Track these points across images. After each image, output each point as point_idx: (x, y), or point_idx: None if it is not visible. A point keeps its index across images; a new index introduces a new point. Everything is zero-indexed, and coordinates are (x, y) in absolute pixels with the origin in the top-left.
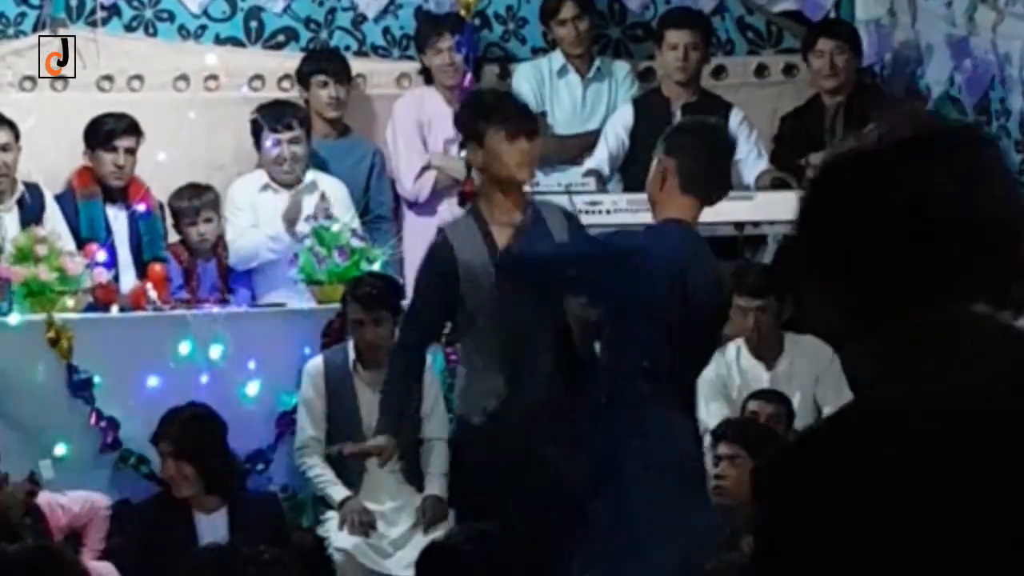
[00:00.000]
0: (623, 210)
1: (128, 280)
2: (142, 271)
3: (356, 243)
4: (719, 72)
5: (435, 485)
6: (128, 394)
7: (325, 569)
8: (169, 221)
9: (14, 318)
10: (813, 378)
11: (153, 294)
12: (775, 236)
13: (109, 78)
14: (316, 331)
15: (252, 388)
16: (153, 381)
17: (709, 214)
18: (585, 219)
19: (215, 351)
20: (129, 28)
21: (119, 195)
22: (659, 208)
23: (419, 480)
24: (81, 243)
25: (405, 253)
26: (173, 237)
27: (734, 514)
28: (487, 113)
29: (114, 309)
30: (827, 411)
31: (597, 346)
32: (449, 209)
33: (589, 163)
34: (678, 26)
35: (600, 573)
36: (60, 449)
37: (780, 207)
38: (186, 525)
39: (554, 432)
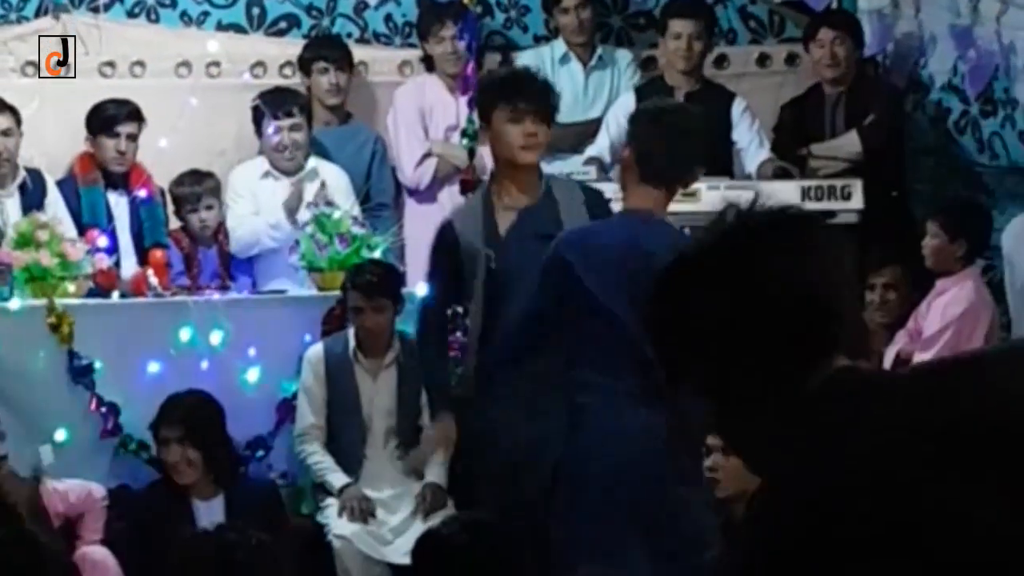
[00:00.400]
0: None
1: (129, 266)
2: (143, 257)
3: (357, 230)
4: (721, 61)
5: (434, 473)
6: (129, 380)
7: (324, 556)
8: (170, 207)
9: (15, 303)
10: None
11: (154, 280)
12: None
13: (111, 64)
14: (317, 318)
15: (252, 375)
16: (154, 367)
17: (710, 203)
18: None
19: (216, 337)
20: (131, 14)
21: (120, 181)
22: (625, 199)
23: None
24: (82, 229)
25: (406, 240)
26: (174, 223)
27: (730, 505)
28: (495, 92)
29: (115, 295)
30: None
31: None
32: (450, 197)
33: (590, 151)
34: (682, 15)
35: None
36: (60, 434)
37: (782, 196)
38: (184, 512)
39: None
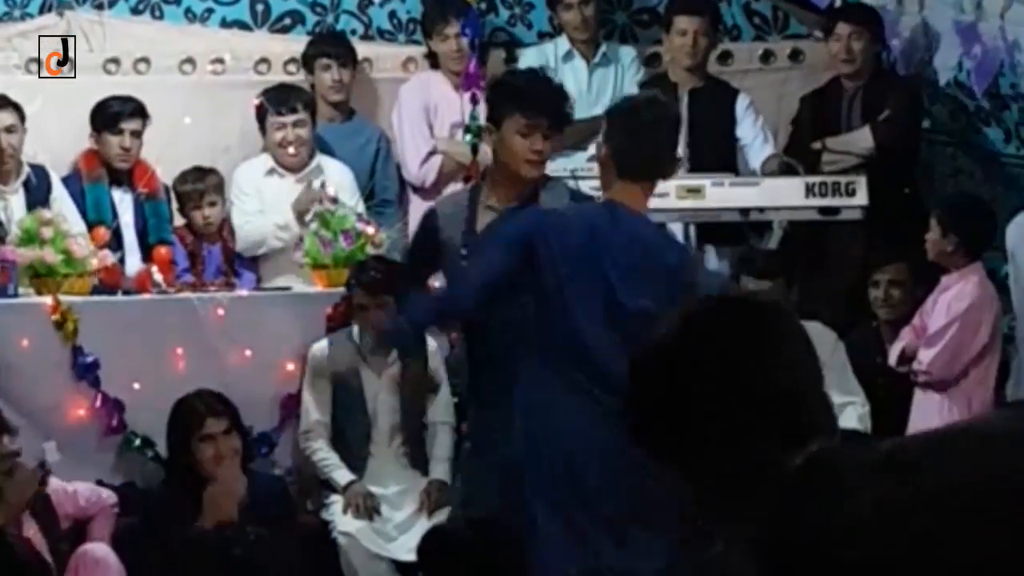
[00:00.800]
0: None
1: (133, 263)
2: (147, 254)
3: (361, 227)
4: (725, 58)
5: (439, 469)
6: (133, 376)
7: (329, 553)
8: (174, 204)
9: (19, 300)
10: None
11: (158, 277)
12: (780, 222)
13: (115, 61)
14: (321, 315)
15: (257, 371)
16: (158, 364)
17: (715, 200)
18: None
19: (220, 334)
20: (135, 11)
21: (125, 178)
22: (606, 195)
23: (424, 464)
24: (87, 226)
25: (410, 238)
26: (178, 220)
27: None
28: (510, 99)
29: (119, 292)
30: (831, 397)
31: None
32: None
33: (594, 148)
34: (687, 12)
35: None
36: (65, 431)
37: (786, 193)
38: (196, 509)
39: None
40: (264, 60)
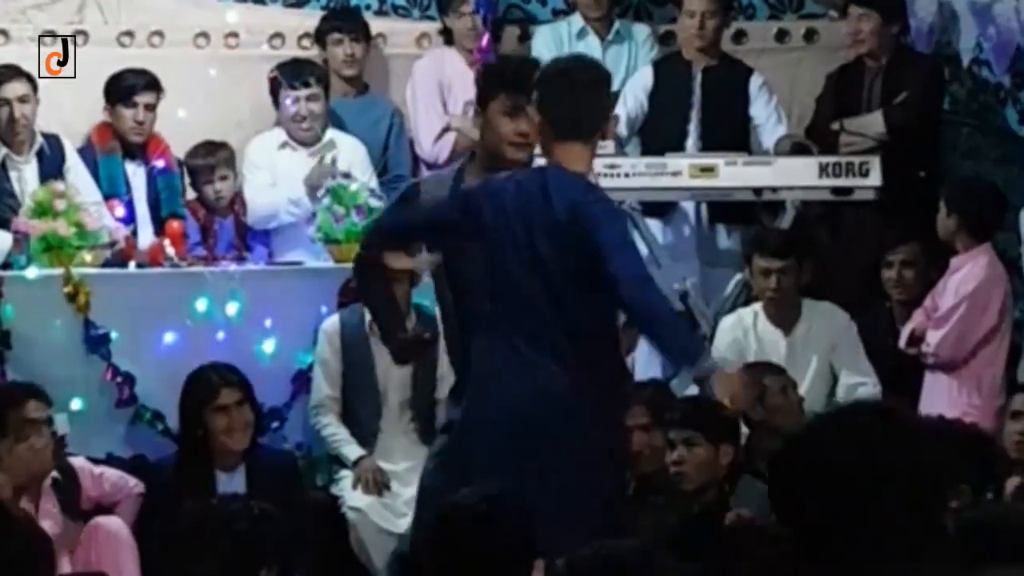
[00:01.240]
0: (642, 173)
1: (146, 236)
2: (160, 227)
3: (374, 202)
4: (739, 37)
5: None
6: (144, 350)
7: (339, 528)
8: (187, 178)
9: (32, 272)
10: (830, 345)
11: (171, 251)
12: (794, 202)
13: (130, 34)
14: (333, 290)
15: (268, 346)
16: (170, 337)
17: (728, 179)
18: (604, 182)
19: (232, 308)
20: None
21: (138, 151)
22: (547, 159)
23: (434, 440)
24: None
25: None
26: (191, 194)
27: (696, 499)
28: (497, 82)
29: (131, 265)
30: (843, 377)
31: None
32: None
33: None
34: None
35: None
36: (76, 404)
37: (799, 173)
38: (206, 483)
39: None
40: (278, 34)
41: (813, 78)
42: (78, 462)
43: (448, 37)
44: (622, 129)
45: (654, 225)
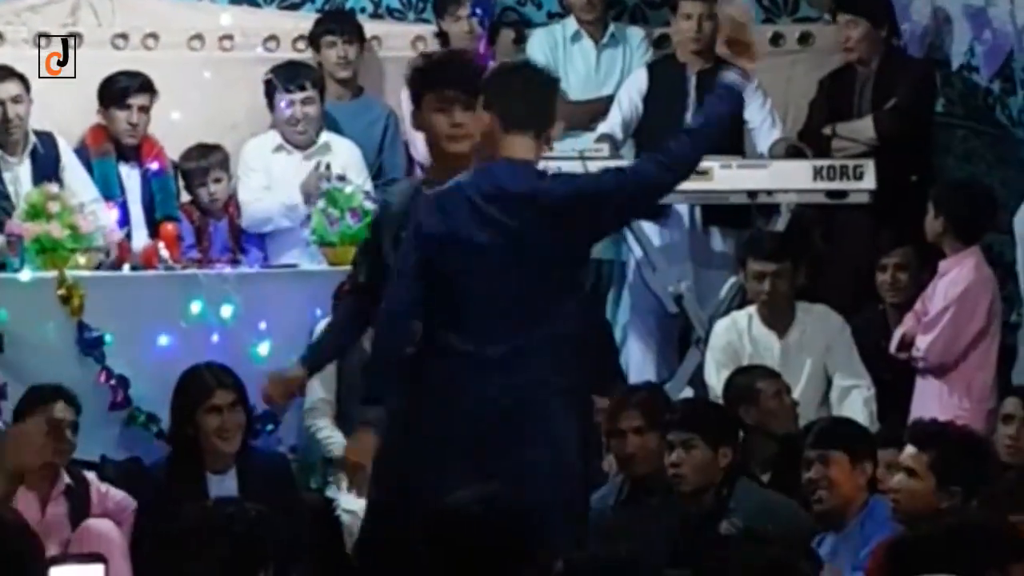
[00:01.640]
0: None
1: (140, 239)
2: (154, 230)
3: (369, 205)
4: None
5: None
6: (138, 353)
7: (333, 530)
8: (181, 181)
9: (26, 275)
10: (824, 347)
11: (165, 253)
12: (788, 205)
13: (124, 36)
14: (327, 292)
15: (263, 348)
16: (164, 340)
17: (723, 182)
18: None
19: (226, 311)
20: None
21: (132, 153)
22: (493, 154)
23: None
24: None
25: None
26: (185, 197)
27: (694, 501)
28: (424, 78)
29: (126, 267)
30: (836, 380)
31: None
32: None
33: (602, 127)
34: None
35: None
36: None
37: (794, 176)
38: (198, 485)
39: None
40: (273, 37)
41: (808, 81)
42: (88, 476)
43: (443, 40)
44: (617, 131)
45: (649, 228)
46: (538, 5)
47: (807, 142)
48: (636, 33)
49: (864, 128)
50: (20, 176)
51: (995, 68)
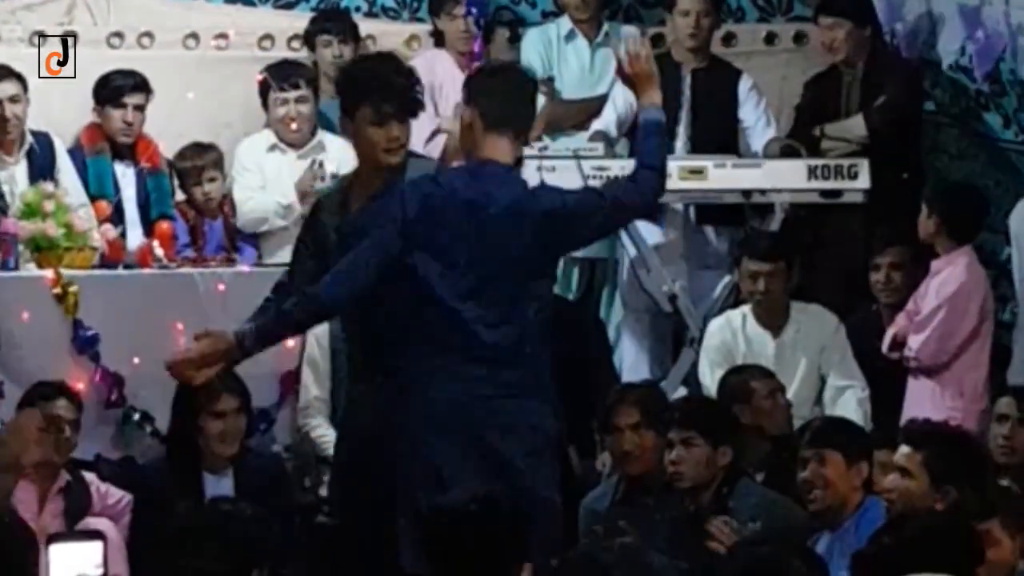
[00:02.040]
0: None
1: (135, 237)
2: (149, 229)
3: None
4: (729, 39)
5: None
6: (133, 351)
7: (326, 532)
8: (176, 180)
9: (21, 273)
10: (818, 347)
11: (160, 252)
12: (782, 204)
13: (119, 35)
14: None
15: None
16: (159, 339)
17: (717, 181)
18: (593, 184)
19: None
20: None
21: (127, 152)
22: (474, 153)
23: None
24: (89, 200)
25: None
26: (180, 196)
27: (693, 499)
28: (359, 90)
29: (120, 266)
30: (830, 380)
31: None
32: None
33: (596, 125)
34: None
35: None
36: None
37: (788, 175)
38: (195, 485)
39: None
40: (268, 36)
41: (802, 81)
42: (87, 476)
43: (439, 39)
44: (612, 130)
45: (643, 227)
46: (532, 4)
47: None
48: (630, 32)
49: (854, 126)
50: (16, 175)
51: (988, 68)
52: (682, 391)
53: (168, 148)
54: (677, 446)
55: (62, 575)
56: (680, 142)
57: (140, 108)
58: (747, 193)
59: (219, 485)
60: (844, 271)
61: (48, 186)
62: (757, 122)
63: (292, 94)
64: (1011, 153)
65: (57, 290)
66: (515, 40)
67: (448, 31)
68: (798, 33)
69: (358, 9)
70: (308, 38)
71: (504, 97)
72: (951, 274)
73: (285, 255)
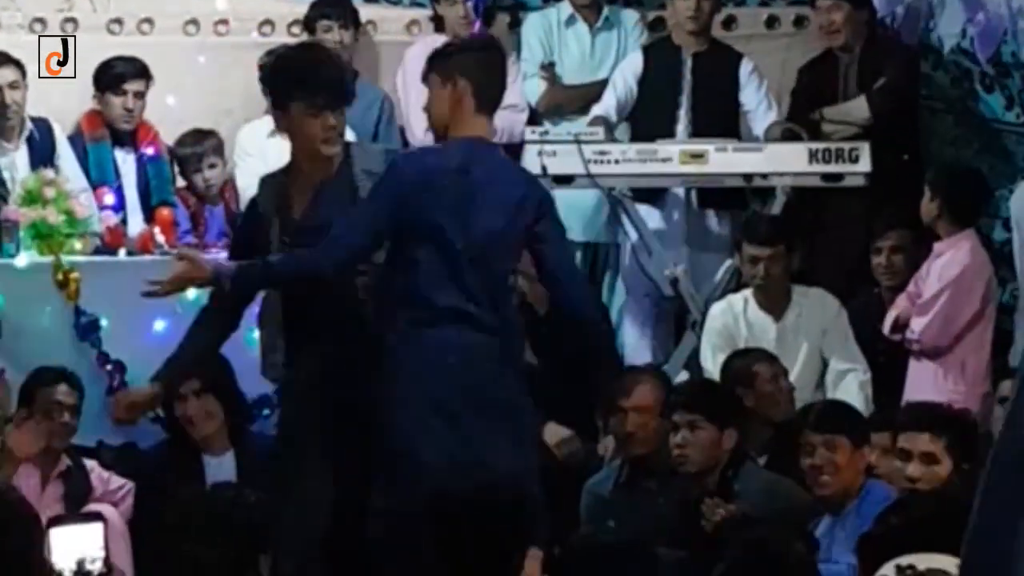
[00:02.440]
0: (632, 159)
1: (136, 224)
2: (150, 215)
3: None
4: (730, 22)
5: None
6: (135, 337)
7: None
8: (176, 166)
9: (22, 260)
10: (820, 331)
11: (161, 238)
12: (783, 188)
13: (119, 21)
14: None
15: (258, 333)
16: (160, 325)
17: (718, 165)
18: (594, 168)
19: None
20: None
21: (128, 139)
22: (454, 131)
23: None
24: (91, 187)
25: None
26: (181, 182)
27: (698, 482)
28: (292, 84)
29: (121, 253)
30: (832, 364)
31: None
32: None
33: (596, 109)
34: None
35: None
36: None
37: (789, 159)
38: (196, 468)
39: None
40: (268, 22)
41: (797, 69)
42: (88, 463)
43: (439, 24)
44: (612, 114)
45: (644, 211)
46: None
47: None
48: (630, 16)
49: (856, 108)
50: (16, 162)
51: (990, 51)
52: (684, 375)
53: (168, 134)
54: (683, 429)
55: (63, 558)
56: (681, 126)
57: (140, 95)
58: (748, 177)
59: (220, 468)
60: (845, 254)
61: (48, 173)
62: (758, 106)
63: None
64: (1009, 136)
65: (58, 277)
66: (515, 25)
67: (448, 16)
68: (799, 16)
69: None
70: (308, 23)
71: (502, 75)
72: (954, 257)
73: None
